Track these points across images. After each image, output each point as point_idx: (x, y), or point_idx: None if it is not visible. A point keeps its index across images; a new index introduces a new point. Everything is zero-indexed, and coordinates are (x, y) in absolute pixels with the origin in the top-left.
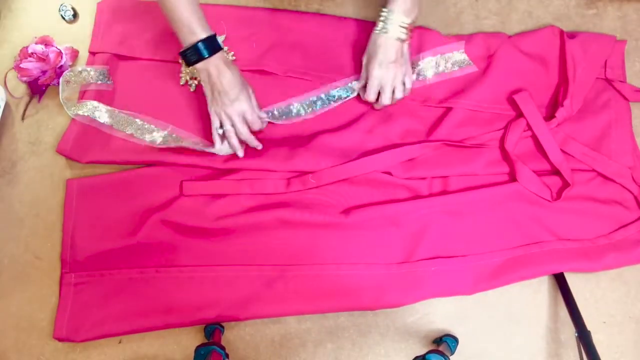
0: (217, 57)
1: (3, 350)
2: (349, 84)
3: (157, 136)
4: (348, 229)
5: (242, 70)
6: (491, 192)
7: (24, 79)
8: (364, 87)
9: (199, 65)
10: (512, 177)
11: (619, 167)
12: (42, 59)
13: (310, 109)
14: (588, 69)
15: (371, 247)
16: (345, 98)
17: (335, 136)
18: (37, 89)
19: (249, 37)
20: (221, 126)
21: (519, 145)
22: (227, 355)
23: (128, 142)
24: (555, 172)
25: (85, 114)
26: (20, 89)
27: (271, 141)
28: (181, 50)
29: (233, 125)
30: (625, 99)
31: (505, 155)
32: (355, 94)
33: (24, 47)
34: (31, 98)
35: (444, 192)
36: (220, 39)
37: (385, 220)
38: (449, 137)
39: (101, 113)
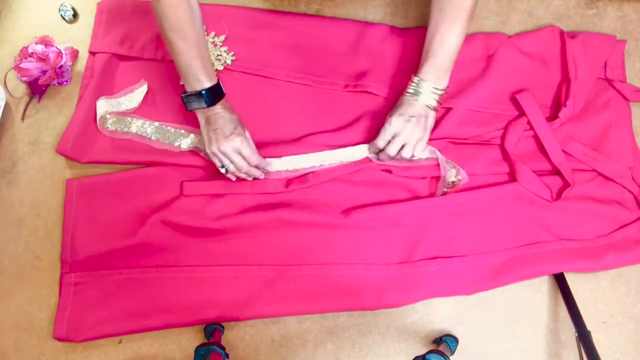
0: (219, 104)
1: (3, 350)
2: (366, 145)
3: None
4: (348, 229)
5: (242, 73)
6: (491, 192)
7: (24, 79)
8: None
9: (198, 111)
10: (512, 177)
11: (619, 167)
12: (42, 59)
13: (319, 164)
14: (589, 69)
15: (371, 247)
16: (359, 157)
17: (335, 136)
18: (37, 89)
19: (250, 38)
20: (222, 165)
21: (519, 145)
22: (227, 355)
23: (128, 142)
24: (556, 172)
25: (134, 131)
26: (20, 89)
27: (270, 142)
28: (184, 94)
29: (232, 162)
30: (626, 99)
31: (505, 155)
32: (371, 155)
33: (24, 47)
34: (31, 98)
35: (444, 193)
36: (220, 39)
37: (385, 220)
38: (449, 137)
39: (149, 128)
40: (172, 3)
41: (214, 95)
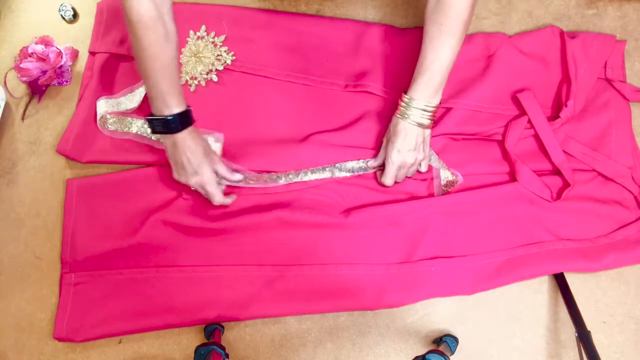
0: (186, 131)
1: (3, 350)
2: (366, 161)
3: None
4: (348, 229)
5: (242, 73)
6: (491, 192)
7: (24, 79)
8: (381, 166)
9: (163, 136)
10: (512, 177)
11: (619, 167)
12: (42, 59)
13: (316, 176)
14: (590, 69)
15: (371, 247)
16: (358, 172)
17: (335, 136)
18: (37, 89)
19: (250, 38)
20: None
21: (519, 145)
22: (227, 355)
23: (128, 142)
24: (556, 172)
25: (134, 131)
26: (20, 89)
27: (271, 142)
28: (149, 116)
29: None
30: (625, 99)
31: (506, 155)
32: (370, 171)
33: (24, 47)
34: (31, 98)
35: (444, 192)
36: (220, 39)
37: (385, 220)
38: (449, 133)
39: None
40: (144, 24)
41: (183, 121)
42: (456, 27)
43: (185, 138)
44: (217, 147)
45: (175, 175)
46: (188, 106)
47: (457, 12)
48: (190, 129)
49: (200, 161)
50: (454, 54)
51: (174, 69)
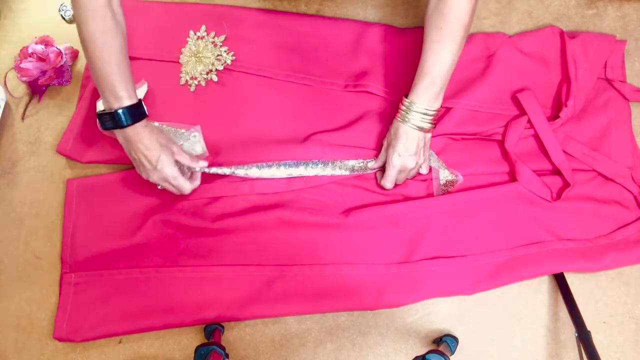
0: (139, 124)
1: (3, 350)
2: (366, 161)
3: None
4: (348, 229)
5: (242, 73)
6: (491, 192)
7: (24, 79)
8: (381, 168)
9: (116, 131)
10: (512, 177)
11: (619, 167)
12: (42, 59)
13: (313, 171)
14: (590, 69)
15: (371, 247)
16: (358, 172)
17: (335, 136)
18: (37, 89)
19: (250, 38)
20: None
21: (519, 145)
22: (227, 355)
23: None
24: (556, 172)
25: None
26: (20, 89)
27: (270, 142)
28: (99, 112)
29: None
30: (625, 99)
31: (506, 155)
32: (369, 171)
33: (24, 47)
34: (31, 98)
35: (443, 192)
36: (220, 39)
37: (385, 220)
38: (449, 133)
39: None
40: (92, 11)
41: (133, 115)
42: (456, 31)
43: (137, 133)
44: (194, 140)
45: (137, 170)
46: (140, 99)
47: (457, 16)
48: (143, 122)
49: (157, 156)
50: (454, 58)
51: (123, 60)
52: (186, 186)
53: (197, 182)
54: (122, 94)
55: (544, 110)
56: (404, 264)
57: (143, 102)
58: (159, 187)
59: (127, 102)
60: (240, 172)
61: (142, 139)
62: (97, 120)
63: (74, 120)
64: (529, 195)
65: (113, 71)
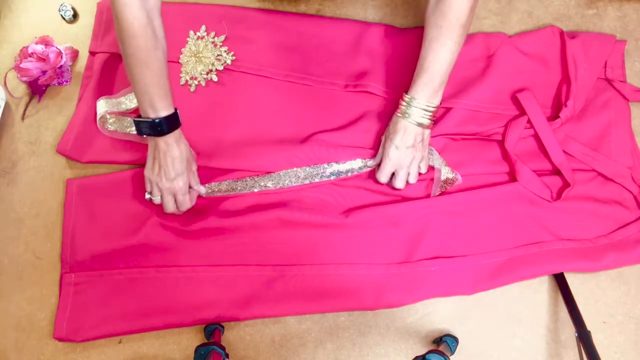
0: (172, 134)
1: (3, 350)
2: (365, 161)
3: None
4: (348, 229)
5: (242, 73)
6: (491, 192)
7: (24, 79)
8: (379, 165)
9: (150, 137)
10: (512, 177)
11: (619, 167)
12: (42, 59)
13: (310, 180)
14: (590, 69)
15: (371, 247)
16: (358, 171)
17: (335, 136)
18: (37, 89)
19: (250, 38)
20: (150, 192)
21: (519, 145)
22: (227, 355)
23: (128, 142)
24: (556, 172)
25: (134, 131)
26: (20, 89)
27: (270, 142)
28: (136, 118)
29: (162, 198)
30: (625, 99)
31: (505, 155)
32: (368, 170)
33: (24, 47)
34: (31, 98)
35: (443, 193)
36: (220, 39)
37: (385, 220)
38: (449, 134)
39: None
40: (134, 31)
41: (170, 124)
42: (455, 30)
43: (171, 144)
44: None
45: (148, 172)
46: (175, 109)
47: (457, 15)
48: (177, 133)
49: (181, 171)
50: (453, 56)
51: (163, 74)
52: (187, 205)
53: (194, 202)
54: (160, 105)
55: (544, 110)
56: (404, 264)
57: (178, 112)
58: (148, 197)
59: (164, 113)
60: (255, 189)
61: (172, 150)
62: (135, 126)
63: (74, 120)
64: (529, 195)
65: (154, 86)
